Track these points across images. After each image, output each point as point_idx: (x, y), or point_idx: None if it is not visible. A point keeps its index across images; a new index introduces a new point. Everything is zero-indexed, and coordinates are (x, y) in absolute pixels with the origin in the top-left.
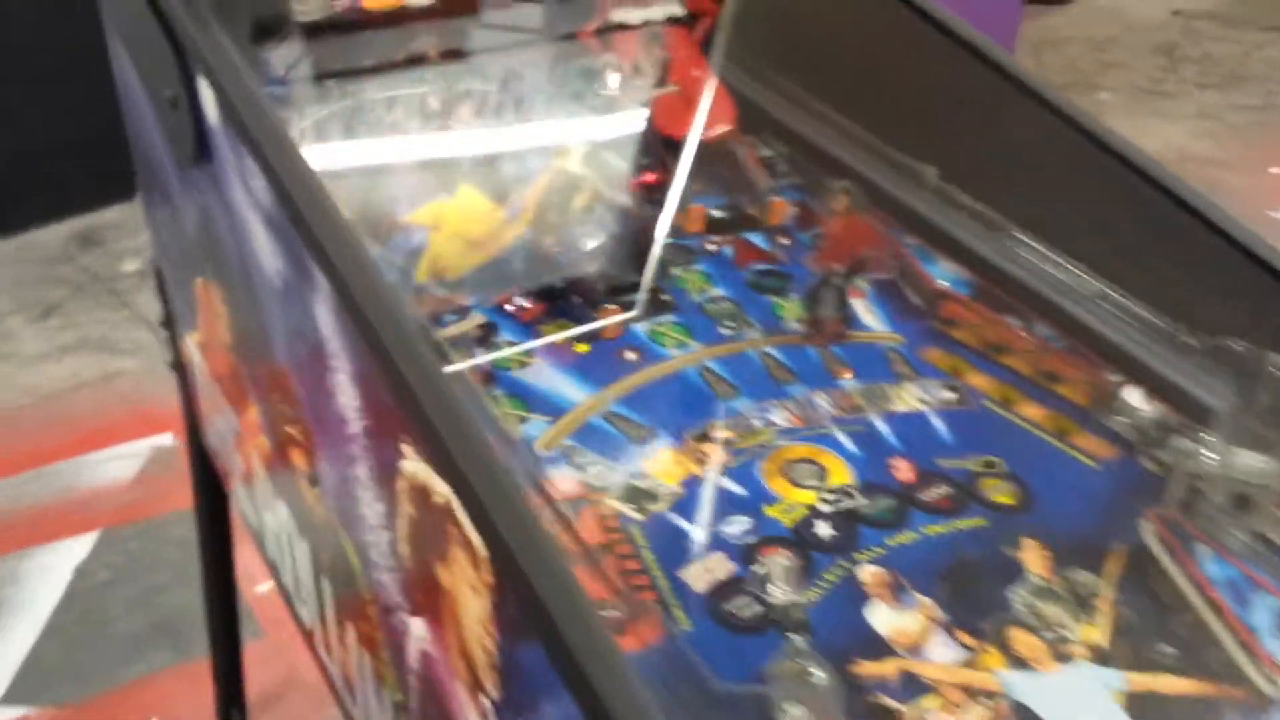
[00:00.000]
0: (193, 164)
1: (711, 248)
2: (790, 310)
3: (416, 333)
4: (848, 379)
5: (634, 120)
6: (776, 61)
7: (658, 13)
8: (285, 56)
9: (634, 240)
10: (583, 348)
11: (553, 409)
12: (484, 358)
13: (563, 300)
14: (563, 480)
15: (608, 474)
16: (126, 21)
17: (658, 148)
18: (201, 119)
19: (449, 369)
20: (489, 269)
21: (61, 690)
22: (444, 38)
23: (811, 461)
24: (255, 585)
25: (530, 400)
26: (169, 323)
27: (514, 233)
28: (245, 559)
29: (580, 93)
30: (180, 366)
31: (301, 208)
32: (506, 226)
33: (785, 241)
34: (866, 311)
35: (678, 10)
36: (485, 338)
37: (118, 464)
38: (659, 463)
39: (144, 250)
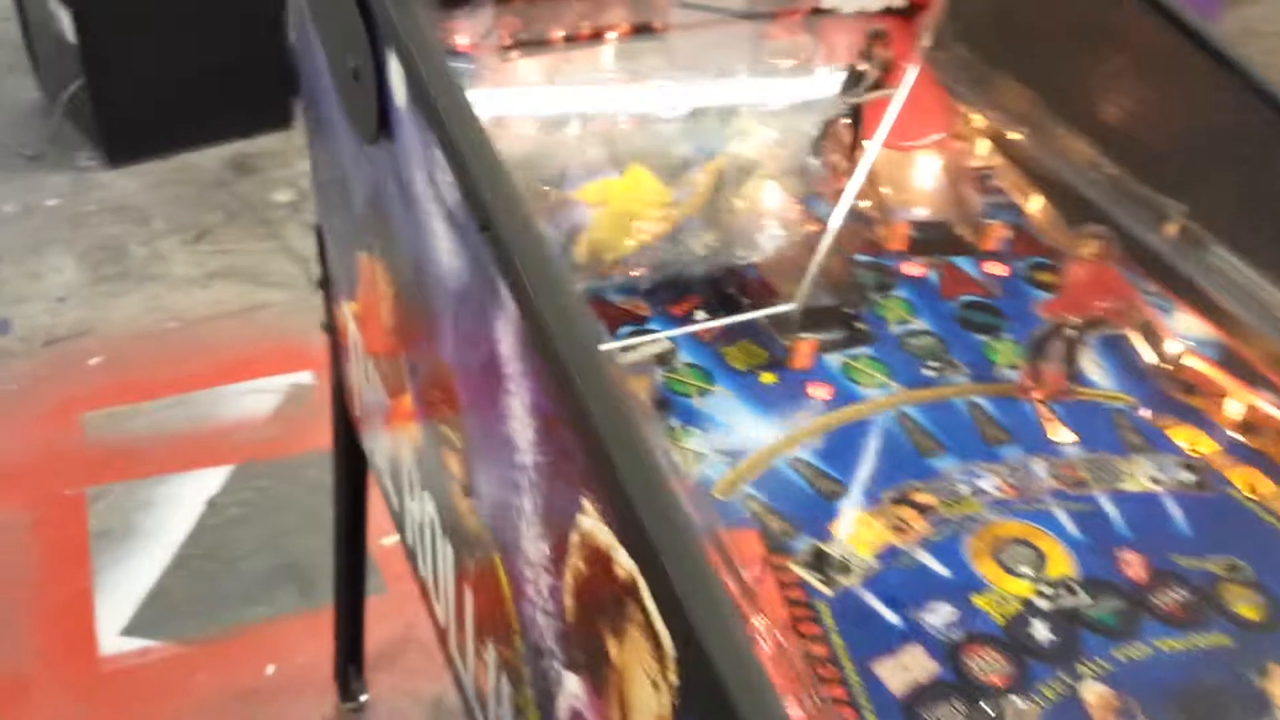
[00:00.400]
0: (372, 140)
1: (915, 272)
2: (1004, 353)
3: (618, 387)
4: (1070, 445)
5: (835, 116)
6: (1001, 64)
7: (874, 1)
8: (474, 26)
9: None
10: (769, 378)
11: (734, 448)
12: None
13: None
14: (741, 535)
15: (792, 534)
16: None
17: (859, 151)
18: (386, 94)
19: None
20: (650, 253)
21: (184, 625)
22: (637, 11)
23: (1027, 544)
24: (380, 538)
25: (709, 435)
26: (326, 284)
27: (681, 217)
28: (372, 511)
29: (775, 80)
30: (333, 330)
31: (496, 219)
32: (674, 210)
33: (999, 271)
34: (1093, 365)
35: None
36: (664, 357)
37: (256, 397)
38: (850, 526)
39: (296, 181)
